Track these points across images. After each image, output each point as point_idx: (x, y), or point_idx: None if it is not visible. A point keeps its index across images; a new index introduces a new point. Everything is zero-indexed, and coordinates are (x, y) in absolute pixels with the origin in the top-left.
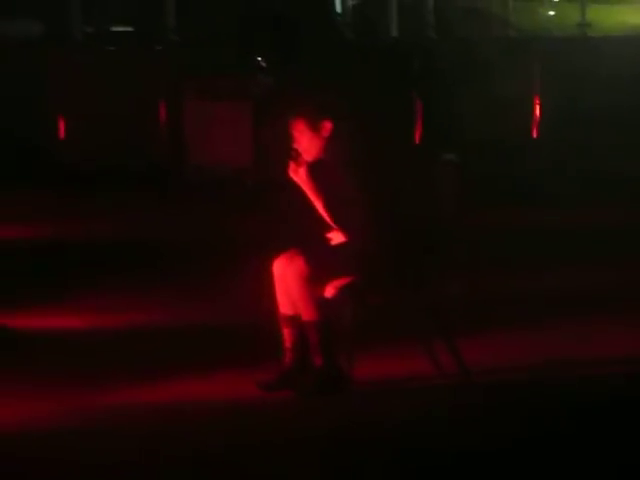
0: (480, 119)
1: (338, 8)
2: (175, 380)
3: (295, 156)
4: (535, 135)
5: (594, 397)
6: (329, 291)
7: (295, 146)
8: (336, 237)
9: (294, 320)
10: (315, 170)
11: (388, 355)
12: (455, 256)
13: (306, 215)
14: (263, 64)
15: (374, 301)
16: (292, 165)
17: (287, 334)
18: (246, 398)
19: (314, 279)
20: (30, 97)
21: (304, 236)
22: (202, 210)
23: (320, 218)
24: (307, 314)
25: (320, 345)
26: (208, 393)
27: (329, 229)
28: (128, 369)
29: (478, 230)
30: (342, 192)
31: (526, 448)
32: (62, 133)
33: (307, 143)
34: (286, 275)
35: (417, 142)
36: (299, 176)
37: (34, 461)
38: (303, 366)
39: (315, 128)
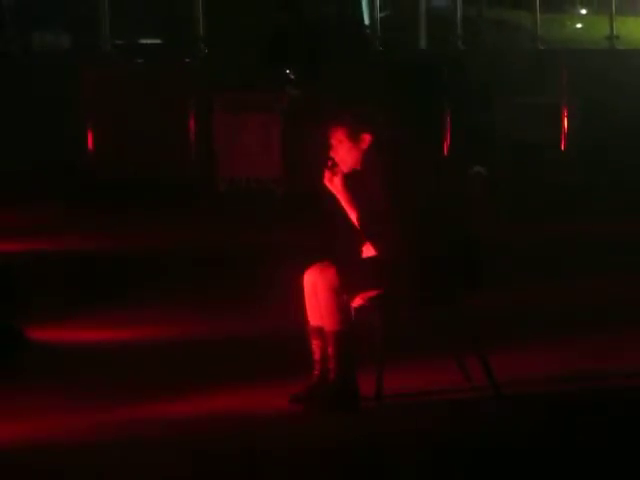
0: (509, 131)
1: (366, 20)
2: (205, 393)
3: (331, 165)
4: (564, 147)
5: (626, 410)
6: (357, 302)
7: (332, 155)
8: (368, 249)
9: (322, 332)
10: (350, 180)
11: (418, 368)
12: (484, 269)
13: (338, 226)
14: (292, 76)
15: (404, 314)
16: (328, 174)
17: (316, 346)
18: (275, 412)
19: (344, 290)
20: (59, 109)
21: (335, 247)
22: (233, 221)
23: (352, 229)
24: (330, 324)
25: (337, 357)
26: (238, 407)
27: (361, 241)
28: (157, 382)
29: (506, 242)
30: (376, 204)
31: (556, 460)
32: (91, 145)
33: (345, 153)
34: (316, 286)
35: (446, 154)
36: (334, 185)
37: (54, 475)
38: (325, 380)
39: (354, 139)
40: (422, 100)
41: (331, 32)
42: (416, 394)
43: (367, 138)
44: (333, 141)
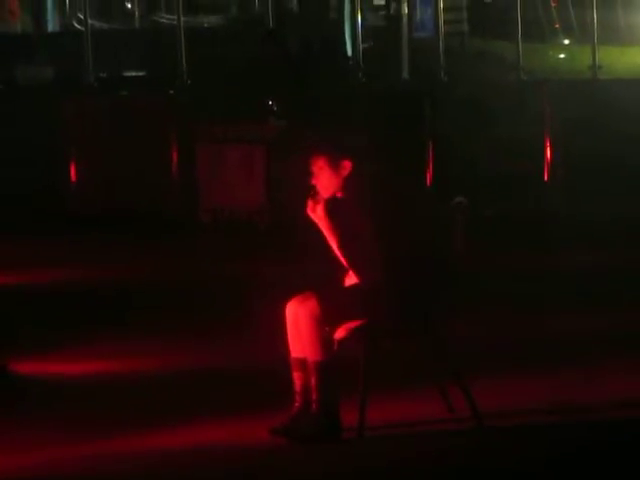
0: (491, 162)
1: (349, 51)
2: (187, 426)
3: (313, 193)
4: (547, 178)
5: (608, 441)
6: (340, 333)
7: (313, 183)
8: (350, 278)
9: (304, 363)
10: (332, 208)
11: (400, 398)
12: (464, 298)
13: (320, 256)
14: (275, 108)
15: (386, 344)
16: (310, 202)
17: (297, 377)
18: (258, 443)
19: (326, 321)
20: (41, 142)
21: (317, 278)
22: (215, 253)
23: (334, 259)
24: (312, 355)
25: (319, 387)
26: (220, 439)
27: (343, 270)
28: (141, 414)
29: (487, 272)
30: (358, 232)
31: None
32: (73, 177)
33: (326, 181)
34: (298, 317)
35: (428, 184)
36: (316, 214)
37: None
38: (307, 411)
39: (335, 166)
40: (404, 131)
41: (314, 63)
42: (399, 425)
43: (347, 165)
44: (314, 169)
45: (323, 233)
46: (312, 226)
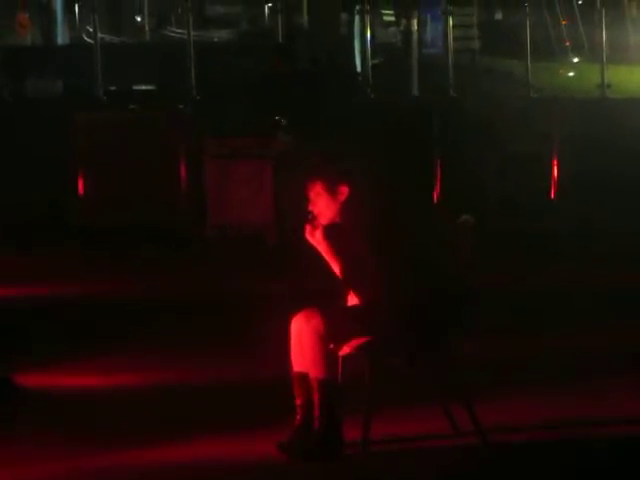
0: (499, 179)
1: (358, 67)
2: (187, 441)
3: (311, 219)
4: (553, 196)
5: (611, 458)
6: (345, 350)
7: (311, 209)
8: (352, 298)
9: (306, 378)
10: (331, 233)
11: (404, 415)
12: (471, 317)
13: (325, 274)
14: (283, 123)
15: (391, 361)
16: (308, 227)
17: (299, 393)
18: (259, 459)
19: (330, 338)
20: (50, 155)
21: (322, 295)
22: (223, 268)
23: (338, 279)
24: (315, 372)
25: (321, 405)
26: (221, 454)
27: (346, 290)
28: (142, 429)
29: (494, 291)
30: (358, 255)
31: None
32: (82, 191)
33: (323, 206)
34: (302, 333)
35: (435, 202)
36: (315, 239)
37: None
38: (309, 427)
39: (332, 192)
40: (413, 147)
41: (323, 79)
42: (402, 441)
43: (344, 190)
44: (311, 194)
45: (323, 256)
46: (312, 249)
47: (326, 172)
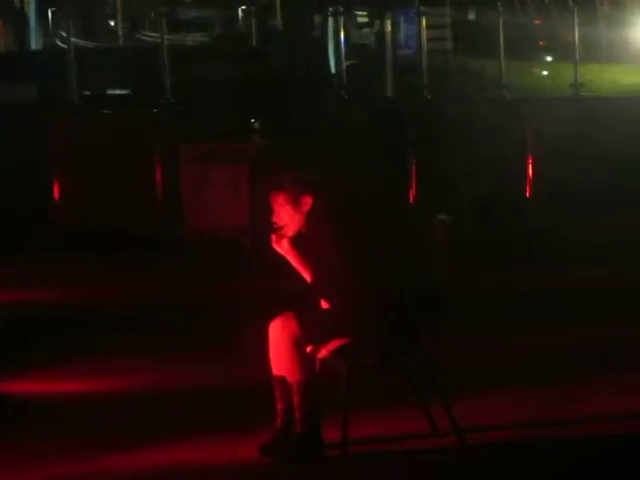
0: (473, 178)
1: (332, 69)
2: (172, 444)
3: (276, 228)
4: (529, 194)
5: (590, 457)
6: (322, 353)
7: (275, 219)
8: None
9: (285, 382)
10: (297, 242)
11: (383, 416)
12: (447, 316)
13: (300, 278)
14: (258, 126)
15: (369, 363)
16: (274, 238)
17: (279, 396)
18: (242, 462)
19: (308, 341)
20: (25, 160)
21: (298, 298)
22: (199, 272)
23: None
24: (293, 375)
25: (301, 408)
26: (205, 457)
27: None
28: (123, 433)
29: (470, 290)
30: (326, 263)
31: None
32: (57, 196)
33: (288, 217)
34: (279, 338)
35: (411, 202)
36: (282, 248)
37: None
38: (289, 430)
39: (295, 202)
40: (387, 148)
41: (298, 81)
42: (381, 442)
43: (308, 201)
44: (275, 206)
45: (291, 264)
46: (280, 257)
47: (289, 183)
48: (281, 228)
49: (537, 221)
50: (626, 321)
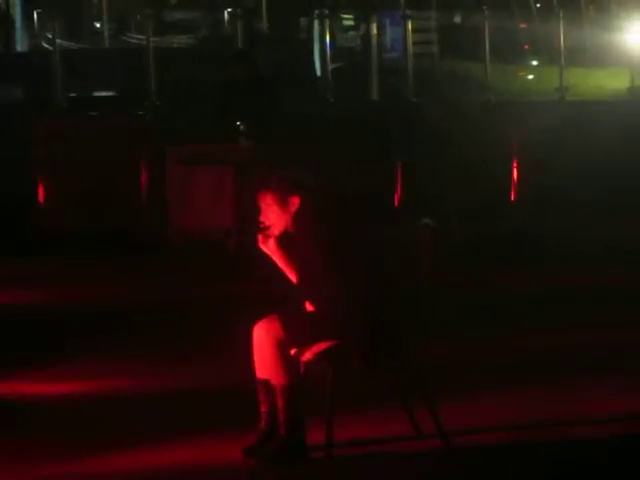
0: (459, 182)
1: (318, 72)
2: (156, 446)
3: (263, 228)
4: (514, 198)
5: (576, 459)
6: (306, 356)
7: (262, 219)
8: (305, 304)
9: (269, 385)
10: (283, 243)
11: (367, 419)
12: (432, 318)
13: (285, 280)
14: (244, 128)
15: (354, 365)
16: (261, 237)
17: (263, 399)
18: (226, 464)
19: (292, 343)
20: (10, 161)
21: (282, 301)
22: (184, 273)
23: (294, 287)
24: (277, 378)
25: (285, 410)
26: (189, 459)
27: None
28: (107, 435)
29: (456, 292)
30: (312, 264)
31: None
32: (42, 198)
33: (275, 217)
34: (263, 340)
35: (396, 206)
36: (268, 248)
37: None
38: (273, 432)
39: (283, 202)
40: (372, 152)
41: (283, 84)
42: (366, 445)
43: (296, 201)
44: (262, 205)
45: (277, 265)
46: (266, 257)
47: (277, 183)
48: (268, 228)
49: (522, 224)
50: (611, 322)
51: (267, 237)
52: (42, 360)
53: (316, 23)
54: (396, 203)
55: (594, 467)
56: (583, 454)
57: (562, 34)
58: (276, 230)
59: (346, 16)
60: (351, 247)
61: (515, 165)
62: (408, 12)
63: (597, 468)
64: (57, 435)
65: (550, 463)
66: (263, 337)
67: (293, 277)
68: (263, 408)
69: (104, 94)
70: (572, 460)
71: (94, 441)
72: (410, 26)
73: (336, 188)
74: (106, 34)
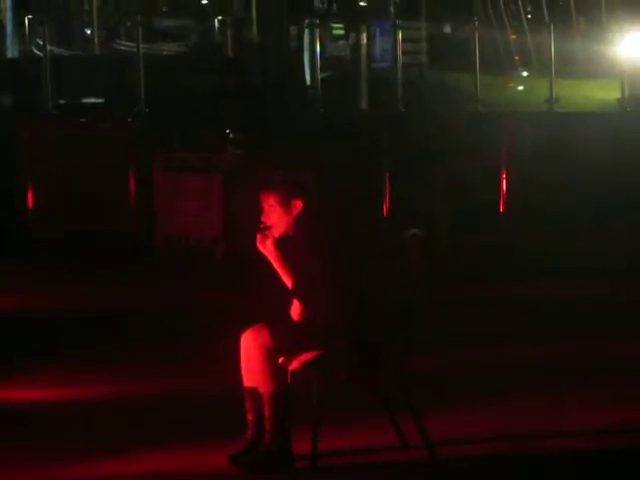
0: (447, 194)
1: (308, 81)
2: (141, 454)
3: (263, 229)
4: (502, 210)
5: (561, 470)
6: (294, 365)
7: (264, 219)
8: (294, 310)
9: (256, 393)
10: (282, 244)
11: (353, 429)
12: (419, 330)
13: (274, 288)
14: (232, 136)
15: (340, 375)
16: (260, 237)
17: (249, 407)
18: (211, 473)
19: (278, 352)
20: (1, 168)
21: (270, 309)
22: (171, 281)
23: (287, 291)
24: (265, 386)
25: (272, 419)
26: (173, 467)
27: (290, 302)
28: (91, 442)
29: (443, 304)
30: (307, 268)
31: None
32: (30, 203)
33: (276, 218)
34: (251, 348)
35: (384, 216)
36: (266, 249)
37: None
38: (259, 441)
39: (286, 204)
40: (361, 162)
41: (273, 93)
42: (351, 455)
43: (298, 204)
44: (264, 205)
45: (274, 267)
46: (263, 259)
47: (281, 184)
48: (268, 228)
49: (510, 236)
50: (596, 334)
51: (266, 237)
52: (23, 366)
53: (306, 32)
54: (384, 213)
55: (580, 478)
56: (568, 465)
57: (553, 45)
58: (276, 231)
59: (336, 25)
60: (348, 256)
61: (504, 176)
62: (398, 22)
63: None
64: (40, 442)
65: (535, 474)
66: (251, 345)
67: (288, 280)
68: (250, 416)
69: (93, 101)
70: (557, 471)
71: (78, 449)
72: (400, 36)
73: (331, 196)
74: (96, 41)
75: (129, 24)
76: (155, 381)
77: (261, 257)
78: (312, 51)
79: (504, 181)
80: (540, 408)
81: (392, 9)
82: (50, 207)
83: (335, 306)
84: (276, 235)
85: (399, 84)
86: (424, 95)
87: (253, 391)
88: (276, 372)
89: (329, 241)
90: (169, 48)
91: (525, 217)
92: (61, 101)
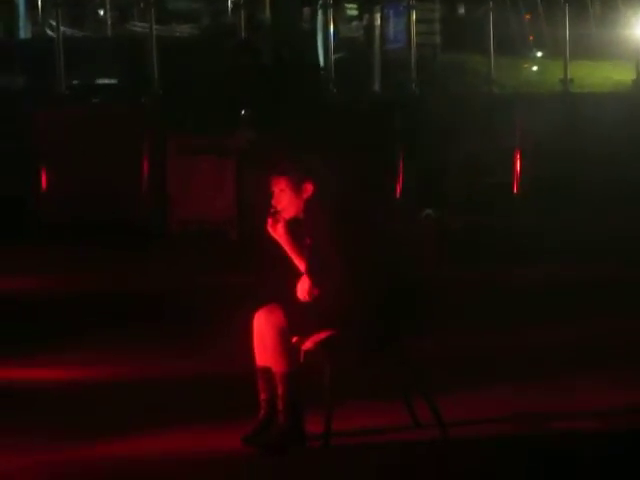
0: (461, 175)
1: (321, 62)
2: (156, 434)
3: (274, 212)
4: (516, 190)
5: (573, 452)
6: (307, 345)
7: (274, 203)
8: (308, 292)
9: (269, 373)
10: (293, 229)
11: (366, 409)
12: (432, 311)
13: (286, 269)
14: (246, 118)
15: (353, 355)
16: (271, 221)
17: (262, 387)
18: (226, 452)
19: (293, 332)
20: (12, 150)
21: (284, 290)
22: (185, 263)
23: (298, 273)
24: (278, 365)
25: (285, 398)
26: (189, 447)
27: (307, 284)
28: (107, 423)
29: (457, 285)
30: (319, 251)
31: None
32: (44, 186)
33: (287, 202)
34: (264, 328)
35: (398, 197)
36: (277, 233)
37: None
38: (272, 420)
39: (296, 188)
40: (375, 143)
41: (286, 74)
42: (364, 435)
43: (309, 188)
44: (275, 189)
45: (285, 250)
46: (274, 242)
47: (292, 168)
48: (279, 212)
49: (525, 216)
50: (609, 316)
51: (277, 221)
52: (38, 348)
53: (320, 13)
54: (397, 194)
55: (591, 459)
56: (581, 446)
57: (567, 26)
58: (286, 215)
59: (350, 6)
60: (360, 239)
61: (518, 157)
62: (412, 3)
63: (594, 460)
64: (57, 422)
65: (546, 454)
66: (264, 325)
67: (300, 263)
68: (262, 396)
69: (107, 82)
70: (569, 452)
71: (94, 428)
72: (414, 16)
73: (339, 180)
74: (109, 22)
75: (142, 5)
76: (169, 361)
77: (272, 240)
78: (325, 32)
79: (518, 162)
80: (554, 390)
81: None
82: (63, 190)
83: (348, 287)
84: (287, 219)
85: (413, 65)
86: (438, 76)
87: (266, 371)
88: (289, 352)
89: (342, 223)
90: (182, 30)
91: (539, 198)
92: (74, 82)
